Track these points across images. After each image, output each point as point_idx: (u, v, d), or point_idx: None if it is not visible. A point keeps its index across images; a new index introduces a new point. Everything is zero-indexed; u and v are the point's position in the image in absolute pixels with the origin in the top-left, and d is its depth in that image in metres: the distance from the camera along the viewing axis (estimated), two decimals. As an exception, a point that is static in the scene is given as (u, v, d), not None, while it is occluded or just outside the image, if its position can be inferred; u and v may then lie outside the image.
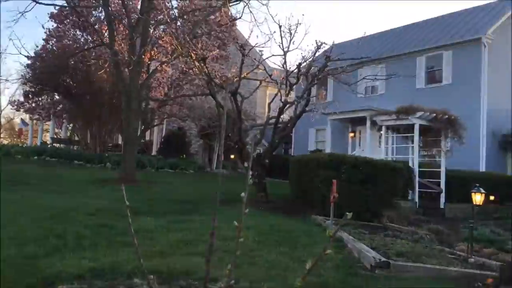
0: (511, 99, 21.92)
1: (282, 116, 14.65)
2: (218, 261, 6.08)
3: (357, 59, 13.51)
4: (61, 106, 27.21)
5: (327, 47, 12.43)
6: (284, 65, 12.78)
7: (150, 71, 17.35)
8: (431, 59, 22.77)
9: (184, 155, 24.55)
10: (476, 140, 19.98)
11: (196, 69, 12.67)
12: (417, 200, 15.39)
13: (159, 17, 17.42)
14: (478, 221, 13.29)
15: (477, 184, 7.71)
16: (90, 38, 23.75)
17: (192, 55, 11.45)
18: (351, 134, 24.43)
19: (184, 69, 15.82)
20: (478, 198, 7.50)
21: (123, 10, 16.63)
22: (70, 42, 24.74)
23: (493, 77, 20.92)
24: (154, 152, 27.01)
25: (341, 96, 18.60)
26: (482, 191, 7.47)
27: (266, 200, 13.07)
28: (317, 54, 12.91)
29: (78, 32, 25.02)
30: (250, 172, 2.27)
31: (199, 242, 7.05)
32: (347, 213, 1.98)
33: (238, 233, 2.05)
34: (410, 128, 16.25)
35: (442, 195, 15.79)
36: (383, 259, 6.32)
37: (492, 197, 16.31)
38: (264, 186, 13.28)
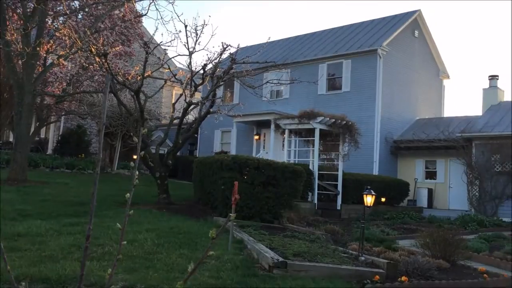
0: (401, 107, 23.68)
1: (187, 117, 14.49)
2: (110, 265, 5.84)
3: (262, 62, 13.77)
4: None
5: (233, 49, 12.52)
6: (190, 66, 12.65)
7: (47, 64, 16.31)
8: (332, 67, 23.89)
9: (83, 155, 23.37)
10: (370, 145, 21.27)
11: (97, 65, 12.11)
12: (316, 201, 16.02)
13: (58, 8, 16.42)
14: (370, 221, 14.17)
15: (368, 187, 8.17)
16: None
17: (93, 49, 10.91)
18: (256, 137, 24.86)
19: (85, 64, 15.04)
20: (369, 199, 7.95)
21: (18, -3, 15.47)
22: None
23: (387, 87, 22.44)
24: (50, 151, 25.40)
25: (247, 99, 18.84)
26: (373, 193, 7.94)
27: (169, 202, 12.84)
28: (223, 56, 12.96)
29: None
30: (137, 173, 2.18)
31: (93, 246, 6.73)
32: (230, 214, 1.98)
33: (122, 236, 1.96)
34: (311, 132, 16.88)
35: (339, 197, 16.59)
36: (280, 259, 6.46)
37: (383, 199, 17.49)
38: (166, 188, 13.03)
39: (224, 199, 11.10)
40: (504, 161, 18.85)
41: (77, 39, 11.19)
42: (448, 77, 27.58)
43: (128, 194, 2.04)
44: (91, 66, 13.43)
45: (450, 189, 21.77)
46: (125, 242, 2.05)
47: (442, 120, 24.06)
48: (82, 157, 22.83)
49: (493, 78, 22.86)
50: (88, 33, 11.88)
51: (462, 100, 56.58)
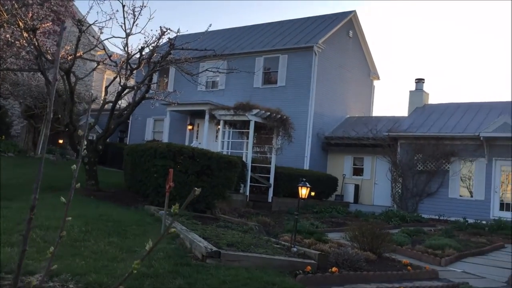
0: (333, 105, 24.34)
1: (119, 102, 13.96)
2: (36, 252, 5.48)
3: (201, 50, 13.54)
4: None
5: (172, 34, 12.19)
6: (126, 48, 12.17)
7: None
8: (268, 61, 24.04)
9: (3, 137, 21.92)
10: (302, 140, 21.68)
11: (24, 41, 11.33)
12: (247, 193, 16.08)
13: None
14: (300, 214, 14.46)
15: (304, 179, 8.29)
16: None
17: (20, 24, 10.18)
18: (190, 127, 24.54)
19: (10, 39, 14.03)
20: (303, 191, 8.06)
21: None
22: None
23: (321, 84, 22.94)
24: (-35, 131, 23.59)
25: (182, 88, 18.50)
26: (308, 185, 8.06)
27: (97, 188, 12.34)
28: (161, 41, 12.59)
29: None
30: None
31: (14, 232, 6.30)
32: (171, 205, 1.86)
33: (64, 218, 1.80)
34: (246, 124, 16.90)
35: (271, 190, 16.77)
36: (214, 248, 6.38)
37: (313, 193, 17.89)
38: (95, 174, 12.51)
39: (156, 187, 10.85)
40: (425, 161, 19.92)
41: (3, 11, 10.40)
42: (378, 78, 28.68)
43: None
44: (17, 42, 12.54)
45: (375, 185, 22.70)
46: (64, 232, 1.89)
47: (371, 119, 24.99)
48: (2, 139, 21.42)
49: (419, 81, 24.05)
50: (16, 6, 11.07)
51: (390, 101, 59.26)
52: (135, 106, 12.93)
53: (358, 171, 23.42)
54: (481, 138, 18.46)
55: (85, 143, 10.99)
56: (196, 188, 1.31)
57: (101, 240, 6.69)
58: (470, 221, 16.29)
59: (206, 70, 13.76)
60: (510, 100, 21.53)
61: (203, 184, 10.92)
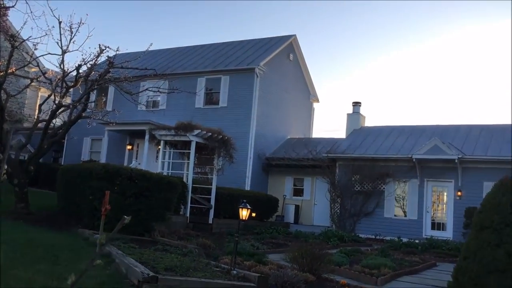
0: (274, 126, 24.67)
1: (54, 121, 13.41)
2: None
3: (142, 69, 13.32)
4: None
5: (111, 53, 11.93)
6: (62, 65, 11.77)
7: None
8: (210, 82, 24.08)
9: None
10: (244, 160, 21.74)
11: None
12: (188, 215, 15.81)
13: None
14: (241, 236, 14.37)
15: (244, 200, 8.26)
16: None
17: None
18: (129, 147, 23.95)
19: None
20: (244, 213, 8.03)
21: None
22: None
23: (262, 105, 23.22)
24: None
25: (122, 107, 18.04)
26: (248, 206, 8.04)
27: (28, 212, 11.69)
28: (100, 59, 12.29)
29: None
30: None
31: None
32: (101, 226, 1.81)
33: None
34: (187, 144, 16.70)
35: (211, 211, 16.59)
36: (151, 273, 6.18)
37: (254, 214, 17.88)
38: (26, 196, 11.85)
39: (91, 210, 10.44)
40: (362, 181, 20.52)
41: None
42: (317, 100, 29.43)
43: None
44: None
45: (315, 206, 23.07)
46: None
47: (310, 140, 25.52)
48: None
49: (356, 104, 24.91)
50: None
51: (329, 123, 60.93)
52: (70, 125, 12.46)
53: (298, 192, 23.73)
54: (414, 160, 19.30)
55: (5, 167, 10.34)
56: (125, 217, 1.25)
57: (29, 267, 6.31)
58: (405, 240, 16.85)
59: (147, 89, 13.53)
60: (440, 124, 22.78)
61: (141, 206, 10.64)
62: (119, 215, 9.13)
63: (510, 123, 20.93)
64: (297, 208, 22.80)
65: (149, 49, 13.26)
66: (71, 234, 9.68)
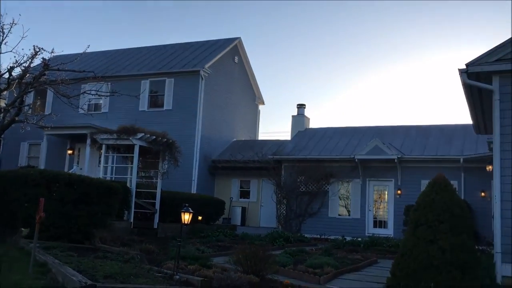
0: (220, 128, 24.64)
1: (-14, 125, 12.74)
2: None
3: (80, 71, 12.89)
4: None
5: (46, 54, 11.47)
6: (-7, 67, 11.21)
7: None
8: (155, 84, 23.73)
9: None
10: (190, 163, 21.56)
11: None
12: (132, 220, 15.48)
13: None
14: (186, 239, 14.22)
15: (187, 204, 8.19)
16: None
17: None
18: (70, 151, 23.13)
19: None
20: (186, 217, 7.96)
21: None
22: None
23: (208, 108, 23.13)
24: None
25: (61, 111, 17.40)
26: (191, 210, 7.97)
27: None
28: (35, 61, 11.79)
29: None
30: None
31: None
32: (23, 229, 1.71)
33: None
34: (130, 148, 16.37)
35: (156, 216, 16.33)
36: (89, 282, 6.01)
37: (200, 217, 17.76)
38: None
39: (27, 218, 9.97)
40: (307, 182, 20.87)
41: None
42: (263, 102, 29.67)
43: None
44: None
45: (261, 207, 23.22)
46: None
47: (256, 142, 25.68)
48: None
49: (301, 106, 25.32)
50: None
51: (275, 125, 61.51)
52: (3, 130, 11.88)
53: (245, 194, 23.80)
54: (356, 160, 19.85)
55: None
56: (23, 229, 1.19)
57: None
58: (348, 238, 17.25)
59: (84, 92, 13.13)
60: (380, 125, 23.57)
61: (80, 213, 10.31)
62: (58, 223, 8.85)
63: (445, 123, 22.02)
64: (243, 210, 22.86)
65: (92, 51, 12.92)
66: (4, 244, 9.22)
